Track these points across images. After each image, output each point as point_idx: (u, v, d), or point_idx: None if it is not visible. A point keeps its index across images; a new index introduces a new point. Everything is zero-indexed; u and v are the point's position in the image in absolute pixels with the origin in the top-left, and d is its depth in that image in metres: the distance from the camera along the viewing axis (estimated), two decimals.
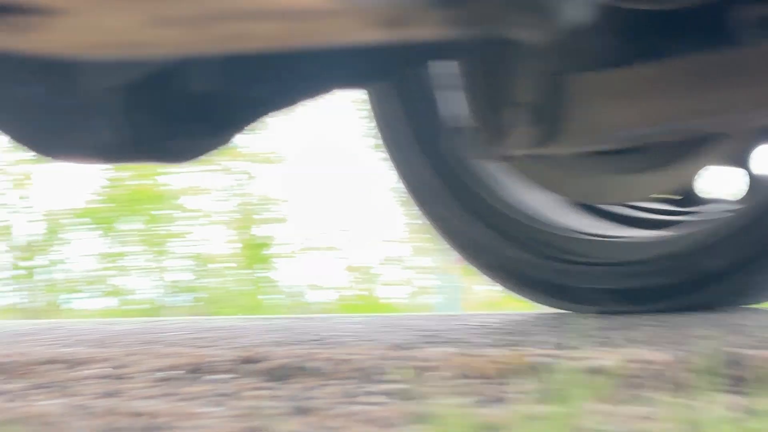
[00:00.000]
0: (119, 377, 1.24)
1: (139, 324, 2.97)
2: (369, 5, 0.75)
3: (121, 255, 10.04)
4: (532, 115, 1.89)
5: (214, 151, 1.72)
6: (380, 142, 2.33)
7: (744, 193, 2.05)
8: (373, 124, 2.33)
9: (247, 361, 1.24)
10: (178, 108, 1.58)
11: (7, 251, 10.17)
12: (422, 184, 2.25)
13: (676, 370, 0.97)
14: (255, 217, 9.82)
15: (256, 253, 9.74)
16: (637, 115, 1.90)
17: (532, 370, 1.11)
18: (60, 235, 10.38)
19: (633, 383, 0.92)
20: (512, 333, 1.78)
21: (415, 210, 2.35)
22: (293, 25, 0.84)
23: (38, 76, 1.49)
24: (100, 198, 10.24)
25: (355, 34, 0.87)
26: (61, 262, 10.25)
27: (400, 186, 2.34)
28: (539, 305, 2.29)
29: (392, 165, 2.34)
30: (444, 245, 2.33)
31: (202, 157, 1.76)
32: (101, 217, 10.11)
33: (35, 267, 10.28)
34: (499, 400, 0.85)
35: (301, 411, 0.82)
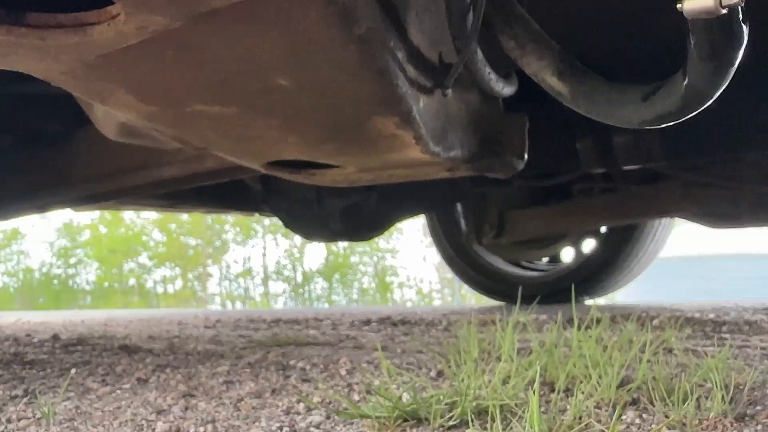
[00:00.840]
0: None
1: None
2: (445, 161, 1.11)
3: None
4: (494, 229, 3.53)
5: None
6: (434, 243, 4.17)
7: (574, 257, 3.73)
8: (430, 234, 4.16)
9: None
10: (361, 218, 3.18)
11: None
12: (453, 260, 3.99)
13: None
14: None
15: None
16: (539, 228, 3.53)
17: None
18: None
19: None
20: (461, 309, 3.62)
21: (447, 266, 4.16)
22: (416, 169, 1.22)
23: (305, 198, 2.96)
24: None
25: (437, 174, 1.26)
26: None
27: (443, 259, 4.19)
28: (497, 300, 4.07)
29: (438, 251, 4.14)
30: (460, 279, 4.17)
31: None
32: None
33: None
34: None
35: None
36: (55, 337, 2.62)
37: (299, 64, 0.79)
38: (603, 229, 3.63)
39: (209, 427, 1.02)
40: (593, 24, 1.37)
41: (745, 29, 0.68)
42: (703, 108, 0.82)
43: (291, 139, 1.04)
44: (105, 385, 1.44)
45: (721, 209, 2.89)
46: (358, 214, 3.14)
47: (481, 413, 0.97)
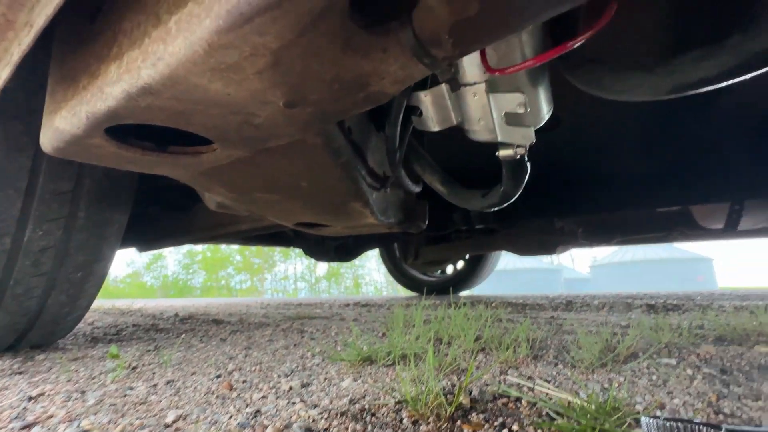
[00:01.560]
0: None
1: None
2: (386, 224, 1.04)
3: None
4: (413, 256, 3.78)
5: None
6: (383, 262, 4.12)
7: (452, 271, 3.80)
8: (381, 258, 4.14)
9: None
10: (345, 250, 3.38)
11: None
12: (393, 271, 3.93)
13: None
14: None
15: None
16: (435, 256, 3.55)
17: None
18: None
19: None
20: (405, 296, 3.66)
21: (390, 275, 4.05)
22: (372, 227, 1.11)
23: (316, 239, 3.22)
24: None
25: (382, 230, 1.12)
26: None
27: (388, 270, 4.11)
28: (414, 293, 3.98)
29: (386, 266, 4.02)
30: (396, 281, 4.06)
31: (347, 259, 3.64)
32: None
33: None
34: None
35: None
36: (176, 315, 2.46)
37: (311, 175, 0.79)
38: (467, 256, 3.61)
39: (257, 367, 0.96)
40: (458, 159, 1.40)
41: (529, 165, 0.71)
42: (510, 200, 0.82)
43: (307, 212, 1.02)
44: (201, 342, 1.35)
45: (524, 246, 2.93)
46: (343, 247, 3.10)
47: (404, 357, 0.95)
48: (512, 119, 0.54)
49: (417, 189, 1.08)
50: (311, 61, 0.39)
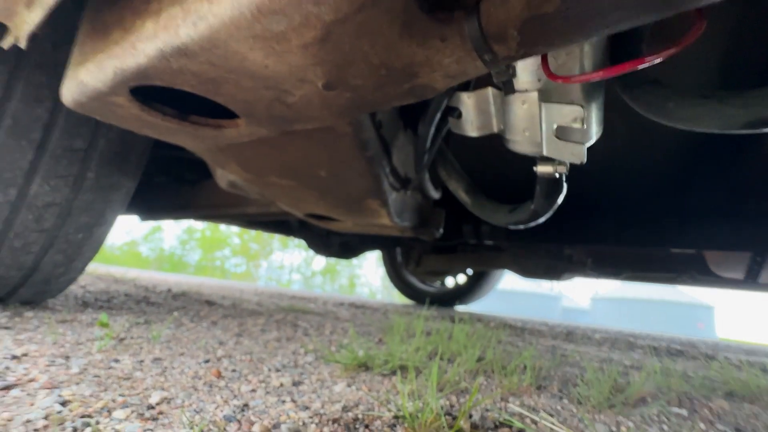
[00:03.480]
0: None
1: None
2: (400, 227, 1.05)
3: None
4: (415, 263, 3.73)
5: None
6: (383, 265, 3.98)
7: (454, 284, 3.77)
8: (382, 260, 4.02)
9: None
10: (348, 247, 3.32)
11: None
12: (392, 276, 3.82)
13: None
14: None
15: None
16: (438, 266, 3.39)
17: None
18: None
19: None
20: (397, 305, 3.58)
21: (389, 279, 3.89)
22: (383, 228, 1.13)
23: (320, 233, 3.14)
24: None
25: (394, 233, 1.16)
26: None
27: (387, 274, 3.95)
28: (412, 301, 3.83)
29: (385, 270, 3.89)
30: (394, 286, 3.91)
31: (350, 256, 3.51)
32: None
33: None
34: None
35: None
36: (169, 290, 2.44)
37: (333, 166, 0.76)
38: (470, 270, 3.55)
39: (248, 356, 0.93)
40: (486, 167, 1.37)
41: (565, 184, 0.68)
42: (539, 220, 0.78)
43: (321, 204, 0.99)
44: (192, 323, 1.32)
45: (530, 269, 2.89)
46: (347, 244, 3.04)
47: (403, 368, 0.91)
48: (564, 133, 0.51)
49: (437, 195, 1.05)
50: (363, 40, 0.37)
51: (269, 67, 0.43)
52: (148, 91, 0.58)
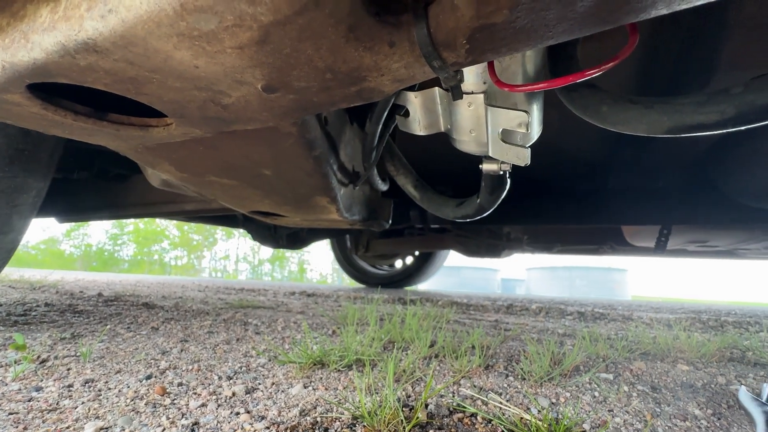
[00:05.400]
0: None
1: None
2: (350, 221, 1.01)
3: None
4: (364, 248, 3.75)
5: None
6: (333, 251, 4.04)
7: (401, 265, 3.94)
8: (331, 246, 4.04)
9: None
10: (297, 238, 3.28)
11: None
12: (342, 261, 3.89)
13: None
14: None
15: None
16: (386, 249, 3.51)
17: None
18: None
19: None
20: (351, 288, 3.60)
21: (339, 264, 4.02)
22: (333, 223, 1.08)
23: (266, 225, 3.18)
24: None
25: (344, 226, 1.11)
26: None
27: (337, 259, 4.11)
28: (362, 284, 3.95)
29: (335, 255, 4.00)
30: (344, 271, 4.05)
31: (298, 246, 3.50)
32: None
33: None
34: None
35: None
36: (100, 294, 2.21)
37: (278, 165, 0.71)
38: (416, 252, 3.65)
39: (195, 365, 0.87)
40: (433, 163, 1.39)
41: (509, 180, 0.70)
42: (485, 214, 0.80)
43: (266, 202, 0.94)
44: (129, 332, 1.21)
45: (473, 248, 3.04)
46: (296, 235, 3.04)
47: (359, 361, 0.91)
48: (509, 137, 0.52)
49: (384, 187, 1.04)
50: (306, 44, 0.33)
51: (200, 67, 0.38)
52: (58, 85, 0.49)
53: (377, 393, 0.73)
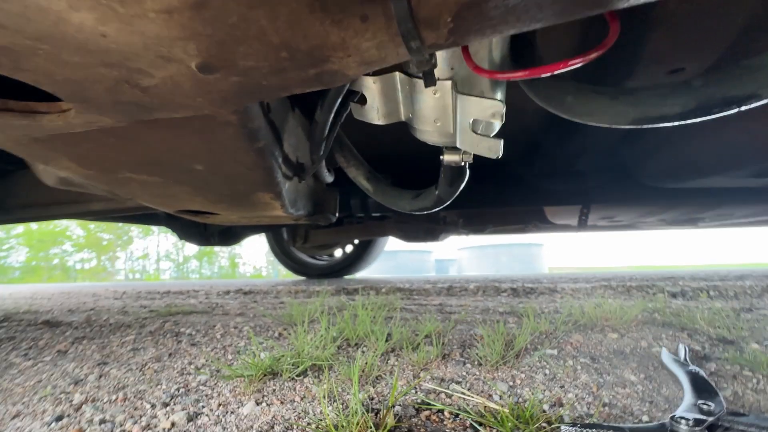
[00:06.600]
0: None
1: None
2: (294, 216, 0.94)
3: None
4: (302, 239, 3.61)
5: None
6: (269, 243, 3.87)
7: (341, 255, 3.98)
8: (266, 239, 3.85)
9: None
10: (230, 234, 3.06)
11: None
12: (279, 254, 3.75)
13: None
14: None
15: None
16: (325, 239, 3.44)
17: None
18: None
19: None
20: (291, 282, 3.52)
21: (275, 256, 3.90)
22: (276, 219, 1.00)
23: (195, 223, 2.92)
24: None
25: (288, 222, 1.06)
26: None
27: (273, 252, 3.93)
28: (301, 276, 3.83)
29: (270, 247, 3.82)
30: (281, 263, 3.91)
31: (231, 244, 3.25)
32: None
33: None
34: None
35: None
36: None
37: (213, 158, 0.62)
38: (356, 240, 3.62)
39: (121, 394, 0.75)
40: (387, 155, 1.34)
41: (468, 172, 0.68)
42: (443, 206, 0.78)
43: (197, 200, 0.82)
44: (28, 359, 1.01)
45: (411, 234, 3.12)
46: (227, 231, 2.90)
47: (314, 366, 0.86)
48: (479, 127, 0.49)
49: (331, 179, 0.98)
50: (259, 11, 0.26)
51: (109, 36, 0.29)
52: None
53: (339, 399, 0.68)
